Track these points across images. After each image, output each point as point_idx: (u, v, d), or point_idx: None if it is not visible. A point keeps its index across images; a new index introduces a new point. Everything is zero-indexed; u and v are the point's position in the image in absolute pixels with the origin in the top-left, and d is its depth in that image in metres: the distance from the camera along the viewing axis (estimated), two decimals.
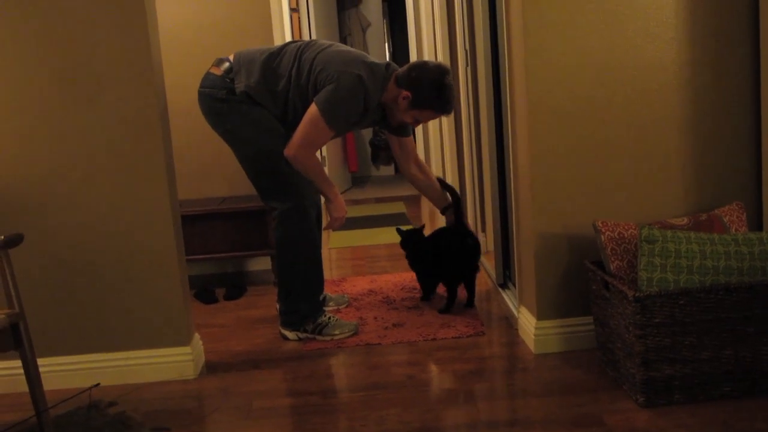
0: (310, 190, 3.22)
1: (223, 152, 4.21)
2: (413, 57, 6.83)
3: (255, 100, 3.12)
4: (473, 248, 3.45)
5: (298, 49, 3.16)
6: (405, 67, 3.20)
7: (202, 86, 3.18)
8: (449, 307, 3.45)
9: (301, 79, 3.11)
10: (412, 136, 3.54)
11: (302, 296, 3.25)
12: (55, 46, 2.70)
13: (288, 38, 4.95)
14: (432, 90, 3.13)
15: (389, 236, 5.26)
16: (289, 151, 3.10)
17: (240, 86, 3.11)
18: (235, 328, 3.48)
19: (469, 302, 3.51)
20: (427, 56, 5.65)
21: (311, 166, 3.15)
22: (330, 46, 3.17)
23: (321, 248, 3.32)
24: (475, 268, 3.50)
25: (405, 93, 3.13)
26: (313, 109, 3.05)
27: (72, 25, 2.69)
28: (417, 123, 3.32)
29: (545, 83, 2.71)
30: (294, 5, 6.14)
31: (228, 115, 3.13)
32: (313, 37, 6.76)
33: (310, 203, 3.21)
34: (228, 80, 3.12)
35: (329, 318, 3.28)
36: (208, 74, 3.19)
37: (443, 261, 3.46)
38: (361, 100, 3.08)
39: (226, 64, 3.16)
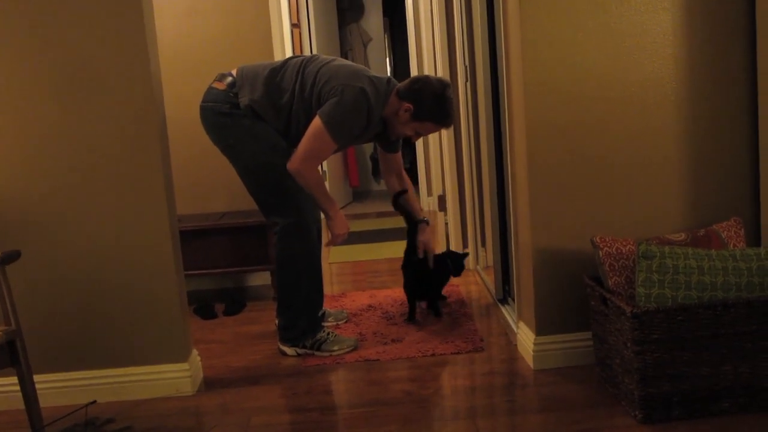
0: (312, 205, 3.22)
1: (223, 167, 4.21)
2: (414, 72, 6.84)
3: (258, 114, 3.13)
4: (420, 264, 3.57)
5: (301, 63, 3.18)
6: (407, 80, 3.24)
7: (204, 101, 3.20)
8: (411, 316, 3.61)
9: (304, 92, 3.12)
10: (400, 152, 3.60)
11: (302, 312, 3.25)
12: (53, 61, 2.71)
13: (289, 53, 4.97)
14: (433, 102, 3.18)
15: (390, 251, 5.27)
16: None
17: (244, 100, 3.12)
18: (233, 344, 3.48)
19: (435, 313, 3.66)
20: (428, 71, 5.66)
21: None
22: (332, 60, 3.20)
23: (321, 264, 3.32)
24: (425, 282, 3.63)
25: (407, 105, 3.18)
26: (317, 122, 3.06)
27: (70, 42, 2.70)
28: (417, 136, 3.35)
29: (543, 99, 2.72)
30: (295, 20, 6.18)
31: (231, 129, 3.14)
32: (314, 52, 6.78)
33: (311, 219, 3.21)
34: (231, 95, 3.14)
35: (328, 333, 3.27)
36: (210, 89, 3.21)
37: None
38: (365, 113, 3.10)
39: (229, 79, 3.18)
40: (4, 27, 2.69)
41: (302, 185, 3.15)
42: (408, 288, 3.61)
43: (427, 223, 3.59)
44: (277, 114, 3.15)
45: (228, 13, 4.36)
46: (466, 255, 3.90)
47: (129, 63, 2.71)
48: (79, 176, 2.77)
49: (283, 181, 3.14)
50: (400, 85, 3.22)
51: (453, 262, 3.78)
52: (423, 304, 3.76)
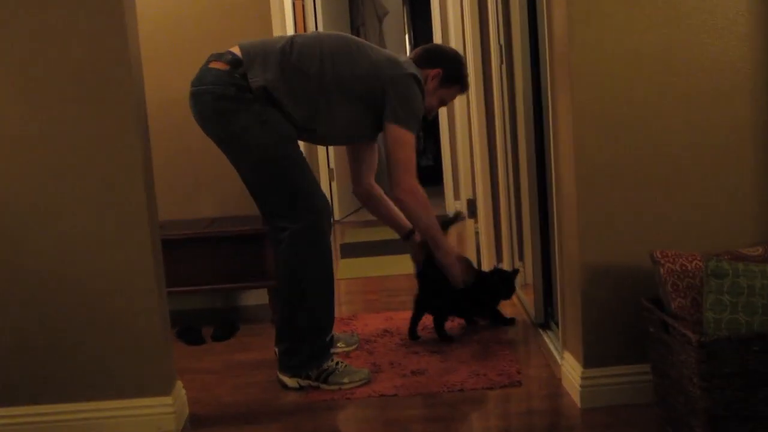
0: (327, 205, 3.28)
1: (213, 165, 4.26)
2: None
3: (273, 97, 3.17)
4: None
5: (318, 44, 3.29)
6: (416, 53, 3.57)
7: (201, 83, 3.21)
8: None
9: (326, 77, 3.22)
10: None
11: (308, 335, 3.28)
12: (14, 45, 2.75)
13: (290, 30, 5.02)
14: (457, 62, 3.61)
15: (408, 265, 5.26)
16: (398, 189, 3.33)
17: (257, 81, 3.15)
18: (224, 375, 3.51)
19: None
20: None
21: (426, 200, 3.42)
22: (357, 44, 3.38)
23: (334, 278, 3.36)
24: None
25: (435, 71, 3.50)
26: (396, 129, 3.27)
27: (37, 23, 2.73)
28: (442, 104, 3.65)
29: (593, 87, 2.74)
30: None
31: (237, 116, 3.17)
32: (320, 27, 6.82)
33: (327, 223, 3.27)
34: (237, 76, 3.16)
35: (337, 363, 3.30)
36: (207, 70, 3.22)
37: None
38: (422, 98, 3.40)
39: (230, 57, 3.21)
40: None
41: (409, 209, 3.41)
42: (416, 299, 3.74)
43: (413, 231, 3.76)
44: (296, 99, 3.21)
45: None
46: (516, 272, 3.94)
47: (104, 47, 2.75)
48: (45, 178, 2.80)
49: (295, 177, 3.20)
50: (414, 57, 3.54)
51: (503, 282, 3.84)
52: (455, 327, 3.79)
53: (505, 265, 4.54)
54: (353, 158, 3.72)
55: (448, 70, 3.54)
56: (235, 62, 3.19)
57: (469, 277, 3.68)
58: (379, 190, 3.77)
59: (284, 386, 3.30)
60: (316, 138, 3.44)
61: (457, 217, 4.16)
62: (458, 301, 3.75)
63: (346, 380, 3.24)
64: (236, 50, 3.24)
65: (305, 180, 3.23)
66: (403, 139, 3.30)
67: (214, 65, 3.22)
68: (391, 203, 3.74)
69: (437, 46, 3.73)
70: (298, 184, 3.21)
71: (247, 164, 3.25)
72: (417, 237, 3.74)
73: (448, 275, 3.62)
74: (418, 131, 3.42)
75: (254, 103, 3.16)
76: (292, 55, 3.22)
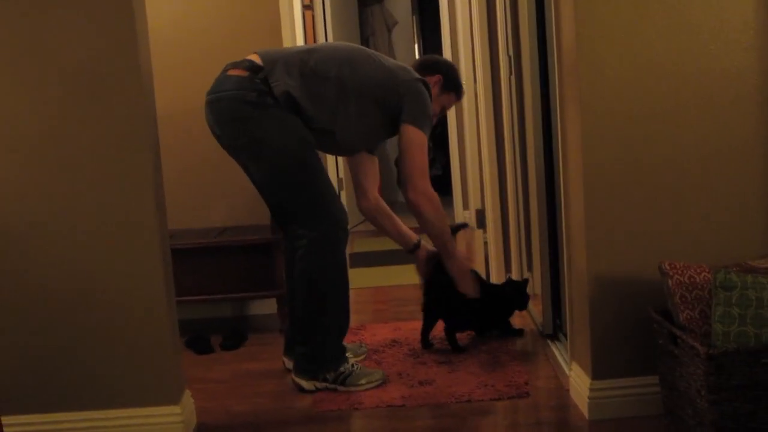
0: (345, 214, 3.32)
1: (223, 174, 4.28)
2: None
3: (295, 103, 3.20)
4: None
5: (335, 51, 3.38)
6: (415, 63, 3.72)
7: (222, 89, 3.23)
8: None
9: (345, 82, 3.28)
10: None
11: (326, 340, 3.32)
12: (24, 55, 2.76)
13: (300, 40, 5.03)
14: (453, 69, 3.78)
15: (416, 275, 5.26)
16: (414, 190, 3.37)
17: (279, 86, 3.18)
18: (233, 384, 3.52)
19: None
20: (464, 61, 5.70)
21: (439, 205, 3.46)
22: (370, 52, 3.48)
23: (349, 283, 3.40)
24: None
25: (436, 77, 3.62)
26: (413, 131, 3.34)
27: (46, 32, 2.75)
28: (442, 111, 3.76)
29: (602, 98, 2.74)
30: (307, 1, 6.23)
31: (258, 121, 3.19)
32: (330, 37, 6.84)
33: (344, 230, 3.30)
34: (257, 81, 3.19)
35: (353, 366, 3.34)
36: (227, 77, 3.25)
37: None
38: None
39: (249, 64, 3.23)
40: None
41: (423, 213, 3.41)
42: (424, 308, 3.77)
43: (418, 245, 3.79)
44: (316, 103, 3.24)
45: None
46: (526, 282, 3.94)
47: (114, 54, 2.76)
48: (54, 188, 2.82)
49: (315, 184, 3.24)
50: (414, 67, 3.62)
51: (517, 293, 3.85)
52: (463, 337, 3.80)
53: (514, 276, 4.54)
54: (356, 172, 3.73)
55: (447, 76, 3.66)
56: (254, 68, 3.22)
57: (476, 287, 3.68)
58: (384, 204, 3.80)
59: (300, 389, 3.32)
60: (333, 143, 3.45)
61: (461, 226, 4.17)
62: (472, 314, 3.75)
63: (363, 381, 3.28)
64: (254, 57, 3.27)
65: (324, 188, 3.27)
66: (420, 141, 3.36)
67: (233, 72, 3.25)
68: (395, 217, 3.79)
69: (432, 55, 3.92)
70: (318, 191, 3.24)
71: (266, 170, 3.27)
72: (422, 251, 3.77)
73: (458, 284, 3.63)
74: (429, 136, 3.47)
75: (275, 108, 3.18)
76: (311, 61, 3.27)
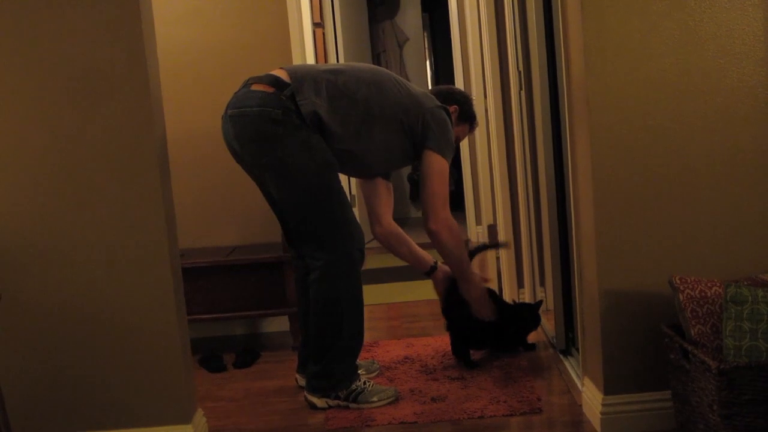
0: (362, 236, 3.33)
1: (234, 193, 4.31)
2: (458, 77, 6.89)
3: (321, 122, 3.20)
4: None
5: (360, 72, 3.37)
6: (432, 91, 3.65)
7: (246, 105, 3.18)
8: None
9: (371, 103, 3.30)
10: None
11: (340, 359, 3.33)
12: (34, 74, 2.79)
13: (311, 57, 5.05)
14: (469, 101, 3.77)
15: (430, 290, 5.25)
16: (435, 222, 3.40)
17: (307, 105, 3.17)
18: (245, 402, 3.52)
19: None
20: (474, 77, 5.71)
21: (458, 234, 3.50)
22: (395, 76, 3.48)
23: (364, 304, 3.42)
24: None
25: (453, 107, 3.62)
26: (437, 158, 3.37)
27: (56, 53, 2.78)
28: (456, 143, 3.67)
29: (610, 113, 2.74)
30: (318, 19, 6.27)
31: (283, 140, 3.16)
32: (341, 55, 6.87)
33: (361, 253, 3.32)
34: (283, 98, 3.16)
35: (365, 383, 3.34)
36: (251, 92, 3.21)
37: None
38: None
39: (274, 79, 3.22)
40: None
41: (443, 242, 3.45)
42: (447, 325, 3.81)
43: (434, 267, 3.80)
44: (342, 123, 3.25)
45: (239, 12, 4.44)
46: (540, 303, 3.94)
47: (123, 76, 2.78)
48: (63, 207, 2.84)
49: (335, 207, 3.24)
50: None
51: (530, 314, 3.86)
52: (476, 353, 3.80)
53: (527, 290, 4.53)
54: (370, 198, 3.73)
55: (463, 107, 3.69)
56: (279, 84, 3.19)
57: (491, 310, 3.70)
58: (399, 229, 3.78)
59: (312, 407, 3.33)
60: (354, 165, 3.46)
61: (489, 247, 4.25)
62: (489, 333, 3.76)
63: (375, 399, 3.28)
64: (280, 73, 3.25)
65: (344, 210, 3.27)
66: (442, 168, 3.40)
67: (257, 87, 3.21)
68: (410, 240, 3.78)
69: (447, 86, 3.89)
70: (338, 213, 3.25)
71: (287, 191, 3.25)
72: (439, 273, 3.78)
73: (473, 308, 3.65)
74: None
75: (300, 128, 3.17)
76: (339, 82, 3.27)
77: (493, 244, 4.67)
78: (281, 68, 3.30)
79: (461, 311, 3.69)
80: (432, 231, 3.44)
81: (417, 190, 8.01)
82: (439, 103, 3.46)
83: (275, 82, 3.20)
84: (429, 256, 3.80)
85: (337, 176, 3.31)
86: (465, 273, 3.60)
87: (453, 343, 3.81)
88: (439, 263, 3.79)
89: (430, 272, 3.80)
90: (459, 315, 3.72)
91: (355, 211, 7.11)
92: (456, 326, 3.77)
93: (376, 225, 3.75)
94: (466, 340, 3.75)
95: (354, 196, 7.02)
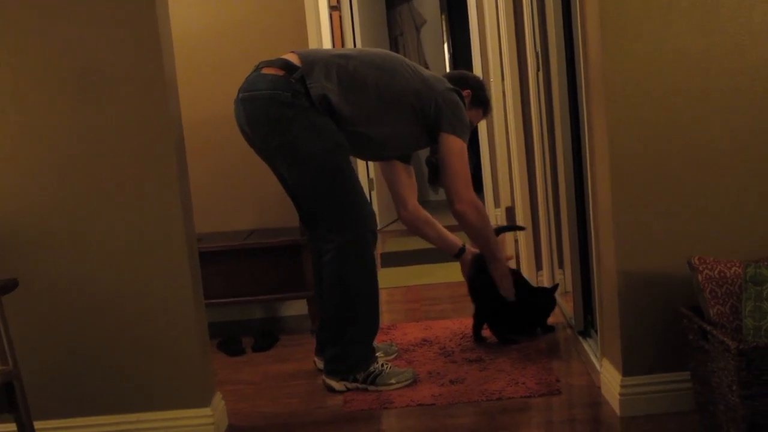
0: (374, 217, 3.34)
1: (250, 178, 4.31)
2: (476, 59, 6.85)
3: (332, 106, 3.20)
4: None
5: (372, 57, 3.37)
6: (445, 76, 3.63)
7: (256, 89, 3.21)
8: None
9: (383, 88, 3.29)
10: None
11: (356, 341, 3.33)
12: (50, 60, 2.80)
13: (327, 42, 5.04)
14: (482, 86, 3.75)
15: (450, 273, 5.27)
16: (461, 203, 3.40)
17: (317, 89, 3.17)
18: (264, 385, 3.53)
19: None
20: (492, 59, 5.68)
21: (485, 212, 3.50)
22: (406, 61, 3.48)
23: (378, 285, 3.42)
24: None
25: (466, 92, 3.59)
26: (453, 140, 3.37)
27: (72, 39, 2.78)
28: (471, 127, 3.64)
29: (628, 93, 2.72)
30: (334, 2, 6.24)
31: (292, 123, 3.17)
32: (358, 38, 6.85)
33: (373, 233, 3.31)
34: (293, 81, 3.17)
35: (383, 365, 3.35)
36: (261, 75, 3.23)
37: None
38: None
39: (284, 63, 3.22)
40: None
41: (470, 222, 3.45)
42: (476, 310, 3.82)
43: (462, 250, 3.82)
44: (353, 107, 3.25)
45: None
46: (556, 286, 3.95)
47: (138, 60, 2.79)
48: (80, 192, 2.85)
49: (346, 188, 3.24)
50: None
51: (546, 298, 3.89)
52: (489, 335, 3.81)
53: (545, 272, 4.52)
54: (393, 183, 3.74)
55: (476, 92, 3.67)
56: (289, 67, 3.20)
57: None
58: (425, 212, 3.81)
59: (330, 389, 3.34)
60: (366, 147, 3.48)
61: (512, 228, 4.36)
62: (513, 314, 3.77)
63: (393, 381, 3.29)
64: (291, 57, 3.26)
65: (355, 192, 3.27)
66: (460, 149, 3.39)
67: (267, 71, 3.23)
68: (437, 223, 3.81)
69: (461, 71, 3.87)
70: (349, 195, 3.25)
71: (298, 173, 3.27)
72: (467, 255, 3.80)
73: (499, 286, 3.67)
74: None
75: (309, 110, 3.17)
76: (350, 66, 3.27)
77: (514, 226, 4.67)
78: (293, 52, 3.30)
79: (488, 293, 3.71)
80: (458, 212, 3.43)
81: (435, 173, 7.99)
82: (451, 86, 3.45)
83: (286, 65, 3.21)
84: (457, 239, 3.82)
85: (348, 158, 3.30)
86: (494, 251, 3.62)
87: (475, 326, 3.82)
88: (467, 246, 3.79)
89: (458, 254, 3.82)
90: (486, 296, 3.74)
91: (373, 195, 7.12)
92: (482, 307, 3.78)
93: (401, 209, 3.76)
94: (494, 320, 3.77)
95: (372, 179, 7.01)
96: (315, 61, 3.23)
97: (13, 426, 2.52)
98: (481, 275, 3.73)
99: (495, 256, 3.63)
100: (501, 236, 3.67)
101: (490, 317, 3.79)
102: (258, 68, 3.28)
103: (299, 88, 3.16)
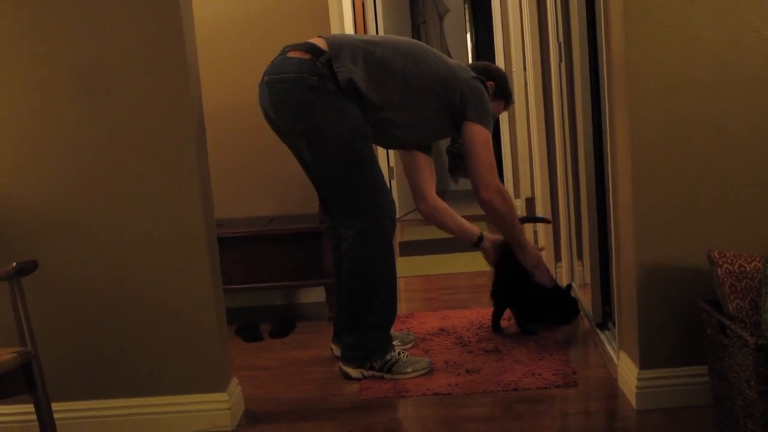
0: (393, 205, 3.33)
1: (271, 165, 4.32)
2: (498, 49, 6.84)
3: (358, 91, 3.20)
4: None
5: (397, 44, 3.37)
6: (468, 66, 3.58)
7: (283, 71, 3.20)
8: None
9: (410, 75, 3.30)
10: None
11: (373, 329, 3.33)
12: (72, 47, 2.80)
13: (350, 28, 5.03)
14: (505, 78, 3.73)
15: (468, 263, 5.27)
16: (487, 191, 3.40)
17: (344, 73, 3.17)
18: (281, 372, 3.54)
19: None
20: (514, 49, 5.67)
21: (511, 201, 3.51)
22: (431, 49, 3.48)
23: (397, 273, 3.42)
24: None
25: (490, 83, 3.57)
26: (479, 129, 3.36)
27: (94, 26, 2.79)
28: (493, 118, 3.62)
29: (650, 84, 2.70)
30: None
31: (317, 107, 3.17)
32: (381, 26, 6.84)
33: (392, 221, 3.31)
34: (319, 65, 3.17)
35: (400, 354, 3.35)
36: (287, 59, 3.22)
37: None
38: None
39: (310, 46, 3.22)
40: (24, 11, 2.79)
41: (496, 211, 3.45)
42: (492, 294, 3.82)
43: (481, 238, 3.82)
44: (380, 93, 3.25)
45: None
46: (569, 287, 3.92)
47: (160, 47, 2.79)
48: (100, 177, 2.86)
49: (367, 175, 3.24)
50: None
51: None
52: (509, 323, 3.82)
53: (564, 264, 4.51)
54: (413, 174, 3.75)
55: (499, 83, 3.66)
56: (316, 51, 3.19)
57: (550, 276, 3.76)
58: (443, 203, 3.80)
59: (347, 377, 3.35)
60: (390, 135, 3.48)
61: (538, 219, 4.38)
62: (535, 303, 3.76)
63: (409, 369, 3.29)
64: (318, 41, 3.25)
65: (375, 179, 3.27)
66: (485, 137, 3.39)
67: (293, 54, 3.22)
68: (455, 213, 3.81)
69: (484, 62, 3.84)
70: (369, 182, 3.25)
71: (320, 158, 3.26)
72: (486, 242, 3.80)
73: (534, 275, 3.67)
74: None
75: (335, 95, 3.17)
76: (376, 53, 3.27)
77: (539, 218, 4.66)
78: (319, 36, 3.29)
79: (511, 281, 3.73)
80: (485, 200, 3.43)
81: (456, 162, 7.97)
82: (475, 75, 3.44)
83: (312, 49, 3.20)
84: (475, 228, 3.83)
85: (371, 145, 3.30)
86: (520, 240, 3.62)
87: (495, 315, 3.82)
88: (485, 233, 3.80)
89: (477, 243, 3.82)
90: (508, 285, 3.75)
91: (393, 184, 7.12)
92: (503, 295, 3.78)
93: (420, 201, 3.76)
94: (517, 309, 3.77)
95: (392, 168, 7.01)
96: (342, 46, 3.23)
97: (31, 407, 2.54)
98: (508, 263, 3.72)
99: (521, 244, 3.63)
100: (521, 227, 3.65)
101: (513, 306, 3.78)
102: (284, 51, 3.28)
103: (325, 72, 3.16)
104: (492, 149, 3.43)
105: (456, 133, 3.54)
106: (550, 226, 4.72)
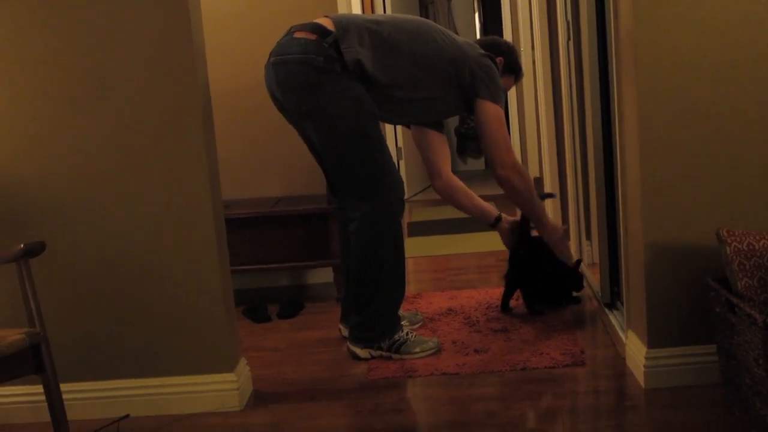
0: (402, 186, 3.32)
1: (279, 146, 4.31)
2: (506, 28, 6.82)
3: (365, 72, 3.18)
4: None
5: (405, 23, 3.35)
6: (477, 42, 3.60)
7: (289, 53, 3.19)
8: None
9: (418, 55, 3.28)
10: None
11: (381, 309, 3.34)
12: (80, 28, 2.80)
13: (357, 8, 5.01)
14: (515, 53, 3.73)
15: (477, 243, 5.27)
16: (503, 168, 3.40)
17: (351, 54, 3.15)
18: (288, 352, 3.55)
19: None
20: (522, 28, 5.65)
21: (528, 177, 3.50)
22: (439, 27, 3.45)
23: (405, 254, 3.42)
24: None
25: (499, 59, 3.57)
26: (491, 106, 3.36)
27: (103, 7, 2.78)
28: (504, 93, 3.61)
29: (658, 61, 2.69)
30: None
31: (325, 88, 3.16)
32: (388, 5, 6.81)
33: (401, 203, 3.31)
34: (326, 45, 3.15)
35: (407, 334, 3.35)
36: (294, 39, 3.20)
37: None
38: None
39: (317, 26, 3.20)
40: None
41: (514, 187, 3.44)
42: (506, 275, 3.82)
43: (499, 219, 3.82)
44: (387, 73, 3.24)
45: None
46: (579, 262, 3.91)
47: (166, 28, 2.78)
48: (108, 158, 2.86)
49: (375, 155, 3.23)
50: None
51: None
52: (518, 302, 3.83)
53: (572, 243, 4.51)
54: (427, 152, 3.75)
55: (508, 58, 3.65)
56: (322, 32, 3.18)
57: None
58: (459, 181, 3.79)
59: (355, 357, 3.36)
60: (400, 112, 3.50)
61: (548, 195, 4.29)
62: (549, 285, 3.78)
63: (417, 350, 3.30)
64: (324, 21, 3.23)
65: (383, 160, 3.26)
66: (498, 115, 3.39)
67: (299, 35, 3.20)
68: (472, 192, 3.80)
69: (492, 37, 3.84)
70: (377, 162, 3.24)
71: (327, 139, 3.26)
72: (504, 223, 3.80)
73: (557, 252, 3.68)
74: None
75: (342, 76, 3.16)
76: (384, 33, 3.25)
77: (545, 194, 4.64)
78: (326, 16, 3.28)
79: (525, 263, 3.72)
80: (502, 177, 3.43)
81: (464, 143, 7.96)
82: (484, 52, 3.43)
83: (318, 29, 3.18)
84: (493, 208, 3.82)
85: (378, 125, 3.30)
86: (540, 216, 3.62)
87: (505, 294, 3.82)
88: (503, 214, 3.80)
89: (494, 223, 3.81)
90: (523, 267, 3.74)
91: (401, 164, 7.11)
92: (516, 277, 3.77)
93: (435, 179, 3.76)
94: (527, 291, 3.77)
95: (400, 148, 7.00)
96: (348, 26, 3.21)
97: (40, 388, 2.55)
98: (525, 244, 3.72)
99: (542, 221, 3.63)
100: (540, 203, 3.64)
101: (524, 287, 3.78)
102: (290, 32, 3.26)
103: (332, 53, 3.15)
104: (505, 126, 3.44)
105: (467, 112, 3.54)
106: (558, 205, 4.71)
